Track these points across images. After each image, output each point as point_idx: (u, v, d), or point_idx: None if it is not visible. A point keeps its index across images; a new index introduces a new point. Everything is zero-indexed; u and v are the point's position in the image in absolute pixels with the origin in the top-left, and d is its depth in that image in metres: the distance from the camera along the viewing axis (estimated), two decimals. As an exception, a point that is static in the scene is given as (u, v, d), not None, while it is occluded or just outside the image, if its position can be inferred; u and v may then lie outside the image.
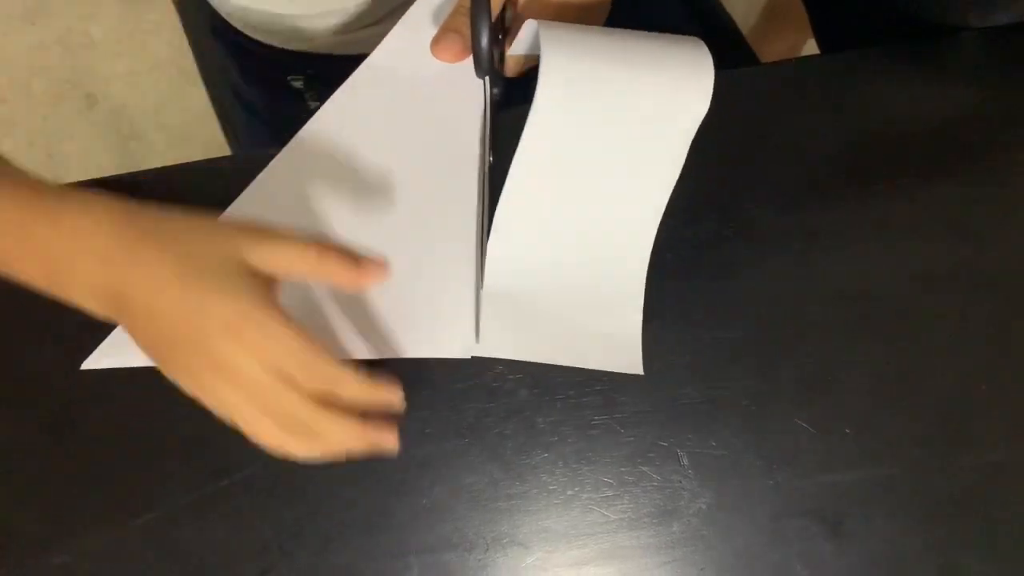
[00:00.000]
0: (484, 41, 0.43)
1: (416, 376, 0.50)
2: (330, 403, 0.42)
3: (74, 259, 0.42)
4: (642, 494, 0.50)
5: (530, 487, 0.50)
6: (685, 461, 0.50)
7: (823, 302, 0.50)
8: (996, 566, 0.48)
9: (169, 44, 1.47)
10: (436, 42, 0.44)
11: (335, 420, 0.42)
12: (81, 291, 0.43)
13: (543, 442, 0.50)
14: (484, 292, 0.50)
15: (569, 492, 0.50)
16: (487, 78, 0.46)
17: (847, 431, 0.49)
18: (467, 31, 0.43)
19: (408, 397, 0.49)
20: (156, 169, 0.55)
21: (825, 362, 0.50)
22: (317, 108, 0.62)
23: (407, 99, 0.52)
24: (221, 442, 0.50)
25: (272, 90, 0.72)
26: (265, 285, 0.42)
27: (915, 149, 0.52)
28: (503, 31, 0.46)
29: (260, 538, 0.49)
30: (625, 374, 0.50)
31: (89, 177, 0.54)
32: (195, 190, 0.55)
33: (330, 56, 0.69)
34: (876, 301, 0.50)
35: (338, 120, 0.53)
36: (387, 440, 0.44)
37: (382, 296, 0.51)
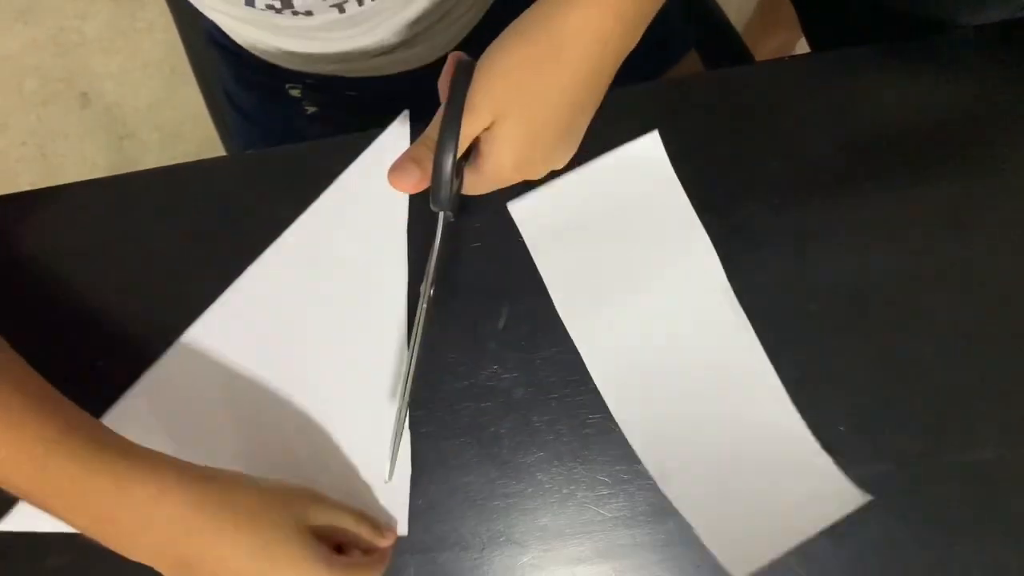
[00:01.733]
0: (447, 173, 0.41)
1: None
2: None
3: (142, 527, 0.42)
4: (637, 492, 0.50)
5: (526, 486, 0.50)
6: (681, 459, 0.50)
7: (819, 299, 0.50)
8: (992, 562, 0.48)
9: (162, 43, 1.47)
10: (395, 170, 0.43)
11: None
12: (146, 554, 0.43)
13: (539, 441, 0.50)
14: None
15: (565, 491, 0.50)
16: (443, 213, 0.45)
17: (842, 428, 0.49)
18: (428, 164, 0.42)
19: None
20: (149, 170, 0.55)
21: (821, 359, 0.50)
22: (314, 114, 0.62)
23: (330, 261, 0.52)
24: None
25: (269, 97, 0.72)
26: (325, 547, 0.45)
27: (910, 145, 0.52)
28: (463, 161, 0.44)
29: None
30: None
31: (83, 177, 0.54)
32: (188, 190, 0.54)
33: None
34: (872, 298, 0.50)
35: (270, 273, 0.53)
36: None
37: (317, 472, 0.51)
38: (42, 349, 0.51)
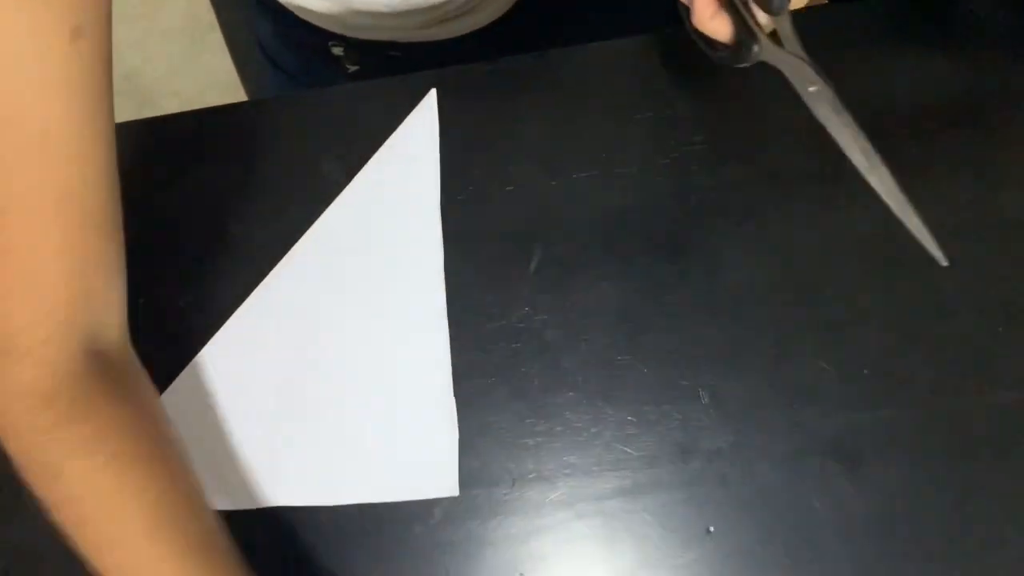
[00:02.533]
0: None
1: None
2: None
3: None
4: (664, 432, 0.51)
5: (555, 425, 0.51)
6: (706, 400, 0.51)
7: (847, 246, 0.51)
8: (1013, 506, 0.49)
9: (183, 11, 1.47)
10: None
11: None
12: None
13: (568, 381, 0.51)
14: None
15: (593, 430, 0.51)
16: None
17: (866, 372, 0.50)
18: None
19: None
20: (173, 115, 0.56)
21: (847, 305, 0.51)
22: (355, 72, 0.63)
23: (365, 248, 0.53)
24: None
25: (310, 55, 0.73)
26: None
27: (936, 95, 0.52)
28: None
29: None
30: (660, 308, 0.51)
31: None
32: (210, 136, 0.55)
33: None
34: (898, 245, 0.51)
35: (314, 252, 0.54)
36: None
37: (365, 440, 0.52)
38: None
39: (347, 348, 0.52)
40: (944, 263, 0.41)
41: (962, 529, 0.50)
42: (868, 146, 0.41)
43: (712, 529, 0.50)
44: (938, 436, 0.50)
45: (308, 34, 0.69)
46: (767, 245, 0.52)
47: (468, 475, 0.51)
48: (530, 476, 0.51)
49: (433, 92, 0.53)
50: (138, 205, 0.53)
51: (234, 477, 0.51)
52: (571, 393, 0.51)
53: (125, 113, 0.53)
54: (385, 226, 0.52)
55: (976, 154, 0.52)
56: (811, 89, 0.42)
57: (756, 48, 0.42)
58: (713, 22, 0.43)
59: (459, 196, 0.51)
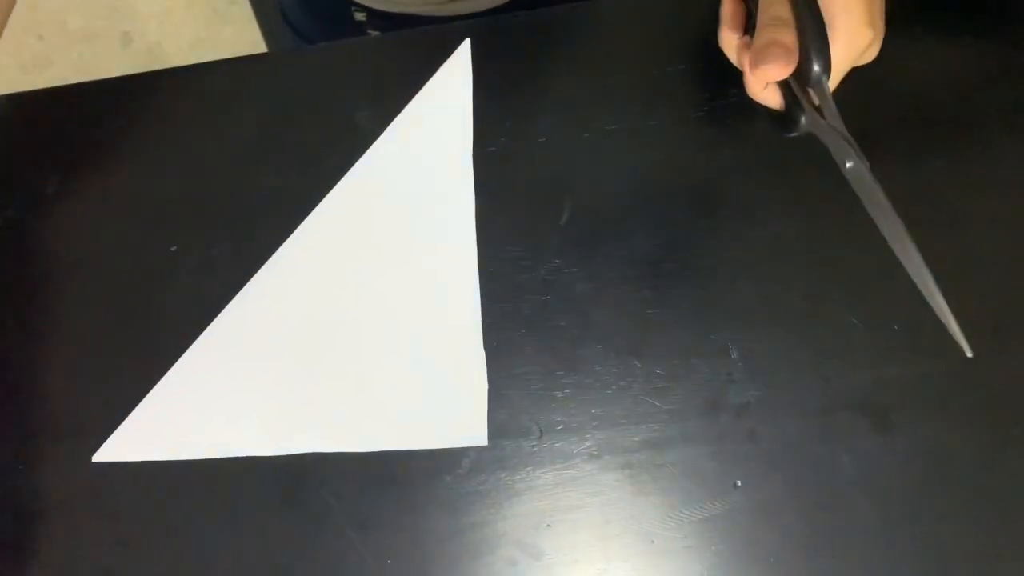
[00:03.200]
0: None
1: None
2: None
3: None
4: (692, 386, 0.51)
5: (583, 377, 0.51)
6: (735, 355, 0.51)
7: (877, 201, 0.51)
8: (1040, 463, 0.49)
9: (204, -18, 1.48)
10: (763, 59, 0.41)
11: None
12: None
13: (598, 334, 0.51)
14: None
15: (621, 383, 0.51)
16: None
17: (896, 327, 0.50)
18: (790, 37, 0.41)
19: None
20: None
21: (877, 260, 0.51)
22: (377, 38, 0.62)
23: (396, 198, 0.54)
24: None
25: (332, 21, 0.73)
26: None
27: (961, 55, 0.52)
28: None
29: (321, 421, 0.51)
30: (685, 265, 0.51)
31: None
32: (251, 83, 0.55)
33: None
34: (929, 202, 0.51)
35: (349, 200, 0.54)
36: None
37: (396, 388, 0.52)
38: (109, 238, 0.53)
39: (379, 297, 0.52)
40: (969, 354, 0.43)
41: (991, 486, 0.50)
42: (901, 228, 0.43)
43: (739, 483, 0.50)
44: (968, 392, 0.50)
45: (331, 2, 0.69)
46: (798, 200, 0.52)
47: (497, 426, 0.51)
48: (558, 428, 0.51)
49: (467, 43, 0.53)
50: (171, 155, 0.53)
51: (265, 423, 0.51)
52: (600, 346, 0.51)
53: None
54: (418, 176, 0.53)
55: (1007, 111, 0.51)
56: (848, 165, 0.43)
57: (803, 120, 0.44)
58: (764, 92, 0.45)
59: (490, 148, 0.51)
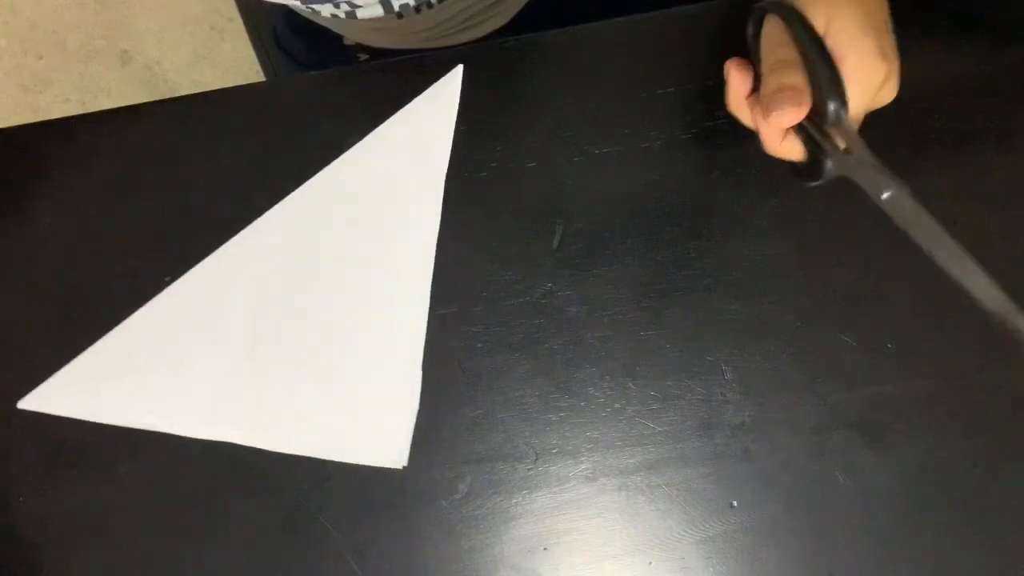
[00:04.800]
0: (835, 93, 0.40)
1: (469, 290, 0.52)
2: None
3: None
4: (687, 407, 0.51)
5: (578, 400, 0.51)
6: (729, 375, 0.51)
7: (868, 220, 0.51)
8: (1035, 479, 0.49)
9: (203, 1, 1.48)
10: (776, 103, 0.40)
11: None
12: None
13: (591, 356, 0.52)
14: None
15: (616, 405, 0.51)
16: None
17: (890, 345, 0.50)
18: (800, 79, 0.40)
19: (460, 313, 0.51)
20: (190, 96, 0.56)
21: (870, 279, 0.51)
22: (366, 61, 0.63)
23: (363, 199, 0.54)
24: (280, 356, 0.52)
25: (321, 45, 0.73)
26: None
27: (959, 65, 0.52)
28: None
29: (318, 447, 0.51)
30: (674, 289, 0.51)
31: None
32: (228, 115, 0.55)
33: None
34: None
35: (300, 207, 0.54)
36: None
37: (326, 394, 0.52)
38: (93, 265, 0.53)
39: (325, 303, 0.52)
40: None
41: (985, 502, 0.50)
42: (957, 249, 0.40)
43: (735, 503, 0.51)
44: (961, 408, 0.50)
45: (324, 30, 0.70)
46: (789, 220, 0.52)
47: (492, 450, 0.52)
48: (554, 451, 0.51)
49: (459, 68, 0.53)
50: (164, 184, 0.54)
51: (190, 403, 0.51)
52: (594, 368, 0.52)
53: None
54: (383, 190, 0.53)
55: (1001, 126, 0.51)
56: (885, 196, 0.41)
57: (829, 164, 0.42)
58: (784, 146, 0.43)
59: (482, 172, 0.51)
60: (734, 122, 0.52)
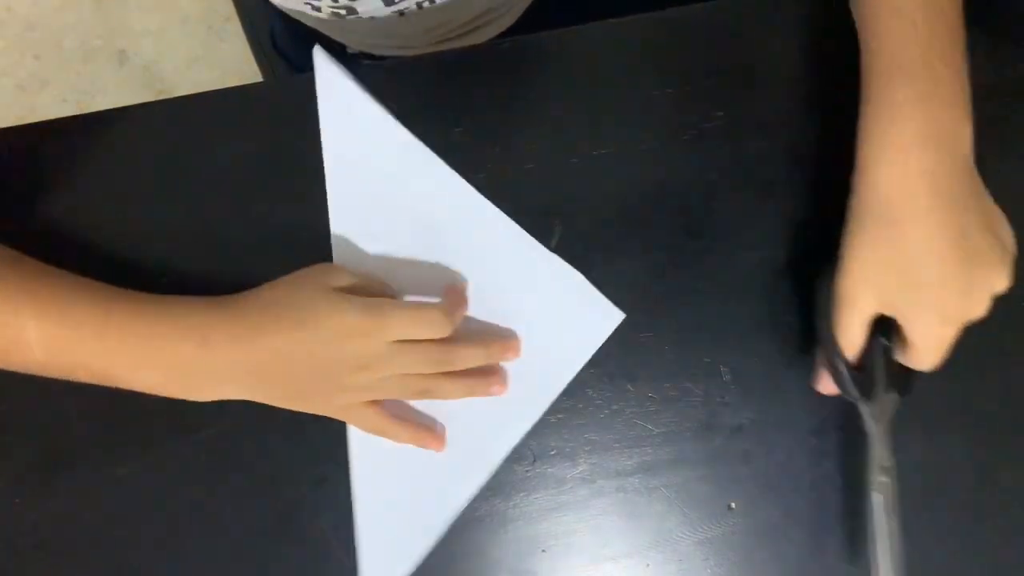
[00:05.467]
0: (844, 374, 0.47)
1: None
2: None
3: (208, 352, 0.46)
4: (685, 409, 0.51)
5: (576, 402, 0.51)
6: (728, 377, 0.51)
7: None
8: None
9: (200, 1, 1.48)
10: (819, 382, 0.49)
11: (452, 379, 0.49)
12: (220, 387, 0.48)
13: (590, 359, 0.51)
14: None
15: (614, 407, 0.51)
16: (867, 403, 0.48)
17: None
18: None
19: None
20: (188, 96, 0.56)
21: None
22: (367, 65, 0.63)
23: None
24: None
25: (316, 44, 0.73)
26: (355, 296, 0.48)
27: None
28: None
29: (315, 449, 0.51)
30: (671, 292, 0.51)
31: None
32: (228, 115, 0.55)
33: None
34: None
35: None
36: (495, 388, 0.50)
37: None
38: (93, 265, 0.52)
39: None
40: None
41: (984, 503, 0.50)
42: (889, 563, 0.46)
43: (733, 505, 0.51)
44: (960, 410, 0.50)
45: (321, 34, 0.70)
46: (788, 221, 0.52)
47: (490, 452, 0.51)
48: (552, 453, 0.51)
49: (318, 48, 0.53)
50: (162, 185, 0.53)
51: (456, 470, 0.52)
52: (592, 370, 0.51)
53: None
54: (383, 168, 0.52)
55: (1003, 129, 0.51)
56: (880, 479, 0.48)
57: (861, 403, 0.48)
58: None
59: (479, 173, 0.51)
60: (732, 123, 0.52)
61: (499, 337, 0.50)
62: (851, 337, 0.46)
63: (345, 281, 0.48)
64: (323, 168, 0.52)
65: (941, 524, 0.50)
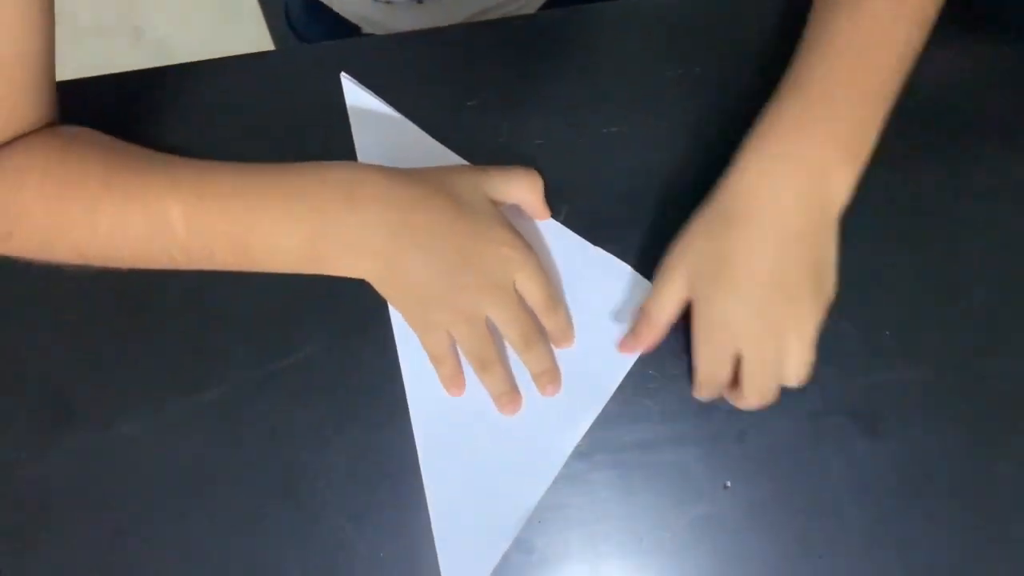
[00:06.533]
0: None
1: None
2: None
3: (353, 212, 0.45)
4: (685, 387, 0.52)
5: (577, 377, 0.52)
6: (728, 357, 0.51)
7: (870, 209, 0.51)
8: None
9: (215, -22, 1.49)
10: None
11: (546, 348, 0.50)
12: (356, 257, 0.46)
13: (591, 335, 0.52)
14: None
15: (615, 383, 0.52)
16: None
17: (888, 334, 0.51)
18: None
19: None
20: (200, 62, 0.57)
21: (871, 267, 0.51)
22: (380, 38, 0.64)
23: None
24: (282, 323, 0.53)
25: (333, 26, 0.74)
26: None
27: (961, 63, 0.52)
28: None
29: (318, 415, 0.52)
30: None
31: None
32: (240, 82, 0.56)
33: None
34: (922, 209, 0.52)
35: None
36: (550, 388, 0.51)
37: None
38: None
39: None
40: None
41: (979, 492, 0.50)
42: None
43: (728, 484, 0.51)
44: (958, 401, 0.51)
45: (338, 17, 0.71)
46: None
47: (490, 423, 0.52)
48: (550, 427, 0.52)
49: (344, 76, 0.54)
50: (177, 150, 0.54)
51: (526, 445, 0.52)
52: (594, 346, 0.52)
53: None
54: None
55: (999, 121, 0.52)
56: None
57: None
58: None
59: (489, 149, 0.52)
60: (743, 106, 0.52)
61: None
62: (662, 303, 0.48)
63: (503, 196, 0.49)
64: (330, 135, 0.52)
65: (936, 511, 0.50)
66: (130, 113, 0.55)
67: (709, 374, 0.48)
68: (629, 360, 0.52)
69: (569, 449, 0.51)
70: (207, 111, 0.55)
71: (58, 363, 0.53)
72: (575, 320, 0.52)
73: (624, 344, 0.51)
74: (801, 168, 0.44)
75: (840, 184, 0.45)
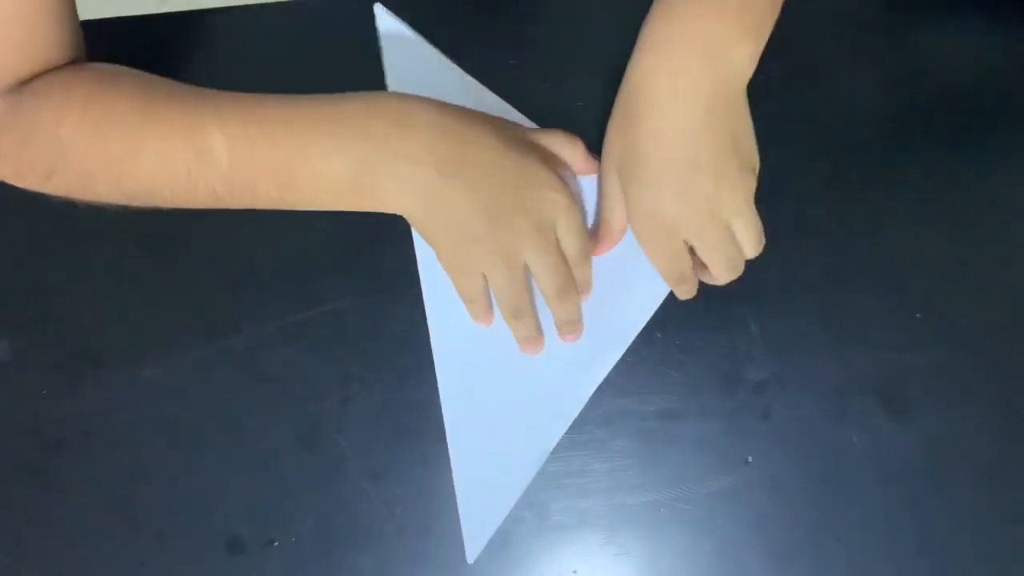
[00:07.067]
0: None
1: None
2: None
3: (403, 140, 0.43)
4: (711, 360, 0.51)
5: (603, 344, 0.52)
6: (756, 331, 0.51)
7: (906, 189, 0.51)
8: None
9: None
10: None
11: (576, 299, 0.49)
12: (403, 191, 0.44)
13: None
14: None
15: (642, 353, 0.52)
16: None
17: (918, 315, 0.51)
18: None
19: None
20: (232, 7, 0.56)
21: (903, 247, 0.51)
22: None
23: None
24: (309, 276, 0.53)
25: None
26: None
27: (1000, 48, 0.52)
28: None
29: (342, 369, 0.52)
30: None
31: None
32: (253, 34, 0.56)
33: None
34: (957, 192, 0.51)
35: None
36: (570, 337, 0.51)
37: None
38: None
39: None
40: None
41: (1000, 476, 0.50)
42: None
43: (750, 459, 0.51)
44: (985, 383, 0.50)
45: None
46: (830, 179, 0.52)
47: (513, 386, 0.52)
48: (577, 393, 0.52)
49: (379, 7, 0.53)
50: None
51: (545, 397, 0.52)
52: (622, 314, 0.52)
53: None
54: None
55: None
56: None
57: None
58: None
59: (529, 109, 0.51)
60: (780, 77, 0.52)
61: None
62: (610, 205, 0.49)
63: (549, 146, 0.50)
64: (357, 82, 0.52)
65: (957, 494, 0.50)
66: (158, 57, 0.55)
67: (669, 270, 0.48)
68: (651, 307, 0.51)
69: (588, 392, 0.51)
70: (237, 55, 0.55)
71: (85, 306, 0.53)
72: (598, 266, 0.51)
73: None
74: (696, 49, 0.43)
75: (740, 58, 0.44)
